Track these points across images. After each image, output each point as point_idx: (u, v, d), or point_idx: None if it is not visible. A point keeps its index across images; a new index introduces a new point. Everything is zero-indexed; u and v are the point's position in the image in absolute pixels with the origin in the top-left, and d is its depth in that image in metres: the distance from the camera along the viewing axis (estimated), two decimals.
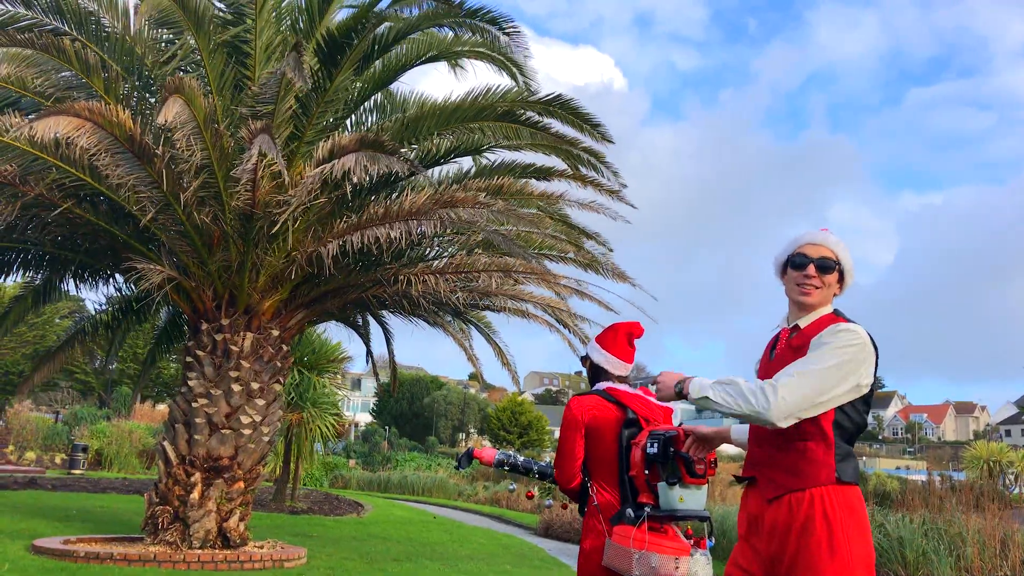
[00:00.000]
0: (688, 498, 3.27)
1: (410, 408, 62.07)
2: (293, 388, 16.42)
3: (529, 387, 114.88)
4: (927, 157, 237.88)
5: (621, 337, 3.78)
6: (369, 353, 13.42)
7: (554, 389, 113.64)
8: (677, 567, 3.26)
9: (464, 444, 64.80)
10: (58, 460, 30.50)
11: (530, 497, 4.63)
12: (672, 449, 3.23)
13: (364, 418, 69.07)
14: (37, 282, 11.68)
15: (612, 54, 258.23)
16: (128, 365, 48.75)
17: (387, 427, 54.45)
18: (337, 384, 18.91)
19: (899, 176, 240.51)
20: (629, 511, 3.33)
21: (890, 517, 10.09)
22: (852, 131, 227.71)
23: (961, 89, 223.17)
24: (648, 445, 3.31)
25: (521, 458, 4.04)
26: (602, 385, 3.67)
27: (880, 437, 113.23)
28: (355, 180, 7.54)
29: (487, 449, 4.07)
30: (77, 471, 26.08)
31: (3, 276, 10.63)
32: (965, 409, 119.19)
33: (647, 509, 3.28)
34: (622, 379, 3.73)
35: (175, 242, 8.97)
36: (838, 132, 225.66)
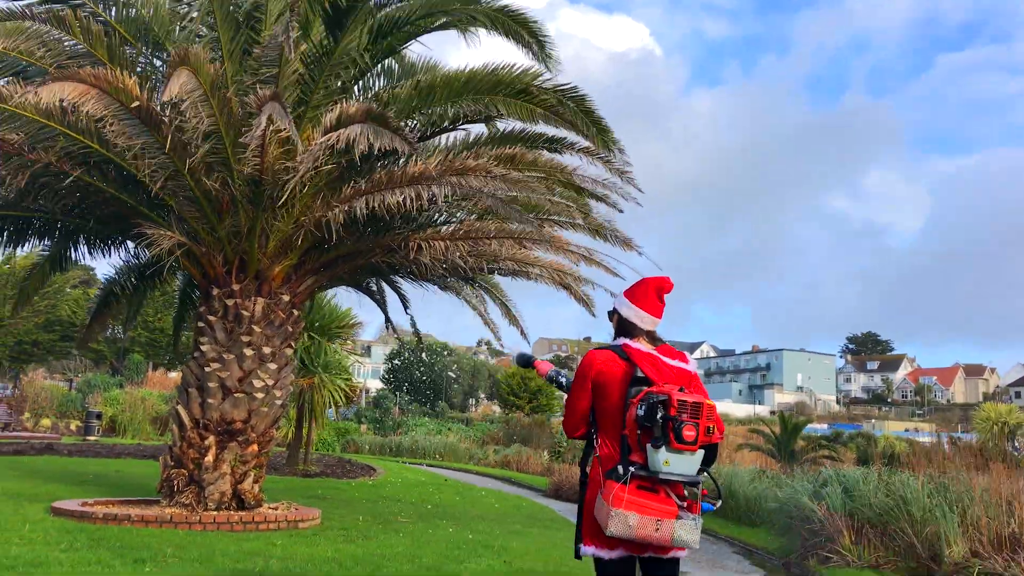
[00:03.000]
0: (675, 462, 3.28)
1: (421, 374, 62.40)
2: (304, 353, 16.55)
3: (538, 353, 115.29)
4: (959, 122, 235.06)
5: (651, 292, 3.77)
6: (387, 317, 13.49)
7: (563, 355, 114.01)
8: (658, 528, 3.27)
9: (475, 409, 65.27)
10: (73, 427, 30.89)
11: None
12: (661, 414, 3.25)
13: (375, 384, 69.52)
14: (50, 251, 11.76)
15: (646, 22, 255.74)
16: (139, 333, 49.00)
17: (397, 392, 54.78)
18: (348, 350, 19.04)
19: (931, 141, 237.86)
20: (619, 468, 3.36)
21: (896, 479, 10.16)
22: (886, 96, 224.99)
23: (993, 54, 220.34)
24: (638, 407, 3.34)
25: (568, 379, 4.10)
26: (620, 341, 3.68)
27: (889, 400, 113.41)
28: (358, 150, 7.52)
29: (545, 363, 4.17)
30: (92, 437, 26.42)
31: (17, 245, 10.71)
32: (975, 371, 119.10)
33: (632, 468, 3.32)
34: (650, 335, 3.73)
35: (184, 208, 9.02)
36: (872, 98, 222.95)
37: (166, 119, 7.99)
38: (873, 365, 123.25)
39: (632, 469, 3.30)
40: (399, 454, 33.96)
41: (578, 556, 3.55)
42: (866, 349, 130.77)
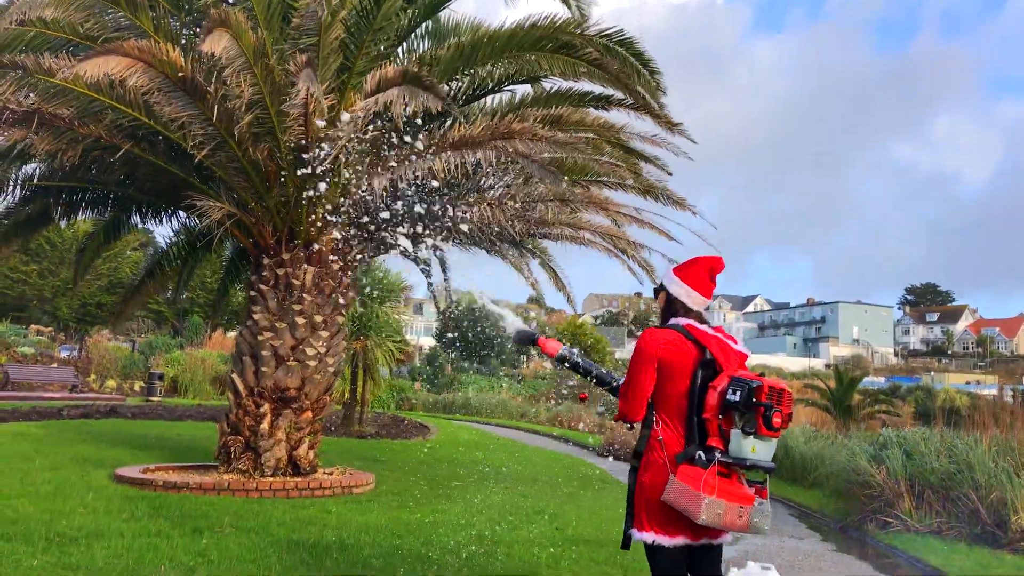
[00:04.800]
0: (760, 449, 3.21)
1: (471, 332, 62.65)
2: (356, 318, 16.69)
3: (589, 309, 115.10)
4: None
5: (703, 271, 3.63)
6: (429, 284, 13.48)
7: (614, 311, 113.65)
8: (740, 515, 3.22)
9: (527, 366, 65.53)
10: (137, 387, 31.82)
11: (582, 399, 4.60)
12: (755, 399, 3.15)
13: (428, 342, 70.14)
14: (105, 220, 11.96)
15: None
16: (197, 294, 50.03)
17: (449, 350, 55.22)
18: (400, 312, 19.15)
19: (1004, 84, 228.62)
20: (700, 454, 3.27)
21: (959, 441, 9.89)
22: (958, 39, 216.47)
23: None
24: (730, 392, 3.23)
25: (583, 360, 3.95)
26: (680, 321, 3.54)
27: (949, 352, 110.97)
28: (395, 115, 7.40)
29: (552, 340, 3.95)
30: (155, 398, 27.18)
31: (73, 215, 10.90)
32: None
33: (717, 454, 3.23)
34: (698, 315, 3.62)
35: (233, 179, 9.04)
36: (944, 40, 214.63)
37: (211, 89, 7.97)
38: (933, 317, 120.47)
39: (717, 455, 3.22)
40: (451, 411, 34.35)
41: (626, 545, 3.46)
42: (925, 300, 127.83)
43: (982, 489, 8.74)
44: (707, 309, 3.71)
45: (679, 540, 3.34)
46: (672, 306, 3.65)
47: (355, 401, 17.79)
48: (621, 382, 3.81)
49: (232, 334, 44.16)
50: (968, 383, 73.26)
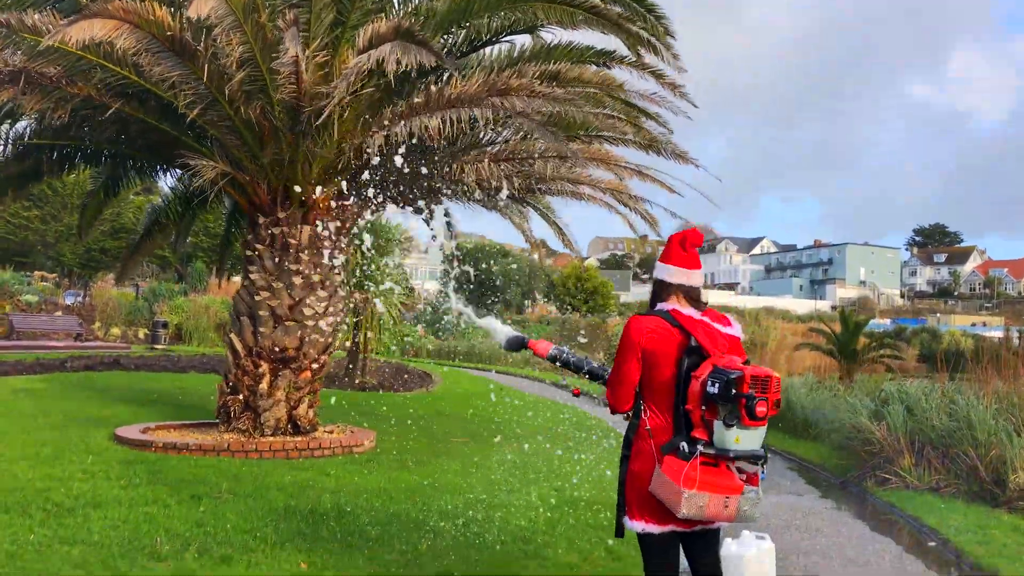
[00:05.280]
0: (745, 438, 3.14)
1: (476, 277, 62.68)
2: (358, 269, 16.63)
3: (594, 253, 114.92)
4: None
5: (675, 245, 3.55)
6: (433, 237, 13.37)
7: (619, 254, 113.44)
8: (726, 506, 3.17)
9: (531, 311, 65.67)
10: (141, 335, 32.01)
11: (576, 394, 4.55)
12: (734, 391, 3.07)
13: (433, 286, 70.20)
14: (102, 178, 11.84)
15: None
16: (201, 239, 49.91)
17: (454, 295, 55.27)
18: (403, 261, 19.07)
19: (1022, 19, 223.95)
20: (683, 445, 3.21)
21: (960, 398, 9.86)
22: None
23: None
24: (709, 383, 3.15)
25: (574, 356, 3.92)
26: (667, 306, 3.45)
27: (956, 293, 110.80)
28: (388, 71, 7.20)
29: (542, 342, 3.95)
30: (159, 346, 27.36)
31: (65, 171, 10.77)
32: None
33: (699, 447, 3.16)
34: (689, 292, 3.52)
35: (226, 137, 8.88)
36: None
37: (201, 48, 7.76)
38: (940, 258, 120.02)
39: (700, 447, 3.16)
40: (455, 358, 34.54)
41: (620, 534, 3.44)
42: (933, 241, 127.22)
43: (982, 447, 8.72)
44: (699, 288, 3.60)
45: (669, 528, 3.31)
46: (660, 290, 3.56)
47: (358, 352, 17.83)
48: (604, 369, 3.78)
49: (237, 279, 44.27)
50: (974, 324, 73.19)
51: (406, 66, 7.12)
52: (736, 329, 3.51)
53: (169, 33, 7.37)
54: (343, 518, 6.04)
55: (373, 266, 16.52)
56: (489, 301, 53.77)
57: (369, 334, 17.67)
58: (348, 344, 18.57)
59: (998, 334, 56.53)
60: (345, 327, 17.42)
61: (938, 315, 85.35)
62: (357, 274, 16.30)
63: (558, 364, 3.90)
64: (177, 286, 42.67)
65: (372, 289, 16.76)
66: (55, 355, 19.23)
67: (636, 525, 3.35)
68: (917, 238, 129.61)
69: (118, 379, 15.35)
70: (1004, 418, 9.04)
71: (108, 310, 34.61)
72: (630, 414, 3.48)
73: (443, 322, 44.04)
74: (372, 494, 6.91)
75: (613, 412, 3.55)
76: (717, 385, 3.13)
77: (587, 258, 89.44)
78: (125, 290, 46.01)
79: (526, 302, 67.27)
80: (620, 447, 3.49)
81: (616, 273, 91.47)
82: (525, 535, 5.95)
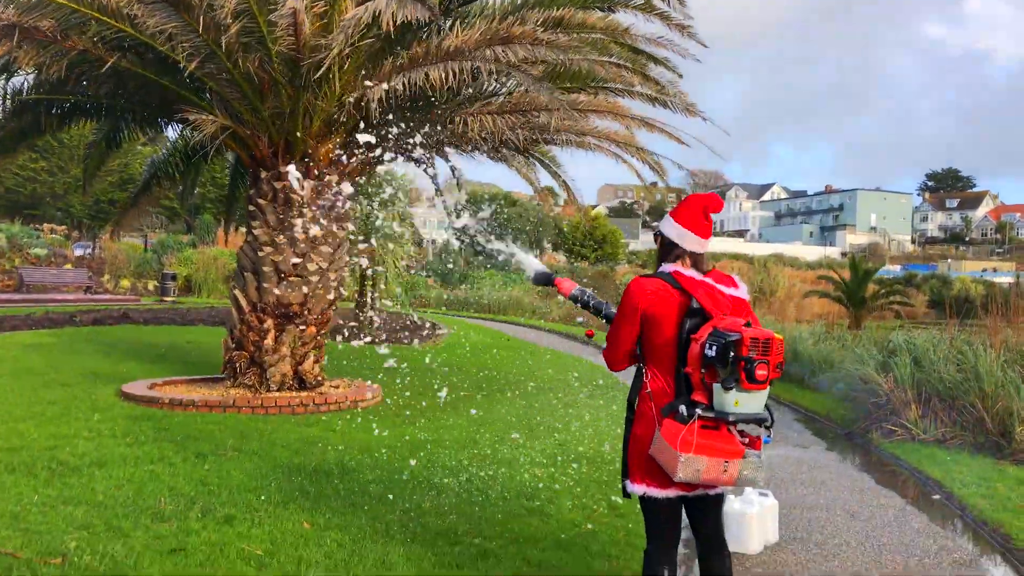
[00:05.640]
0: (744, 402, 3.07)
1: (487, 225, 62.45)
2: (363, 220, 16.55)
3: (603, 200, 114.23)
4: None
5: (696, 210, 3.44)
6: (437, 189, 13.27)
7: (628, 201, 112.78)
8: (725, 469, 3.12)
9: (541, 259, 65.58)
10: (151, 287, 32.12)
11: (589, 336, 4.58)
12: (732, 353, 3.01)
13: (442, 236, 70.04)
14: (103, 131, 11.72)
15: None
16: (208, 190, 49.74)
17: (463, 244, 55.12)
18: (409, 214, 18.98)
19: None
20: (682, 408, 3.16)
21: (968, 349, 9.79)
22: None
23: None
24: (707, 346, 3.09)
25: (594, 299, 3.88)
26: (669, 267, 3.37)
27: (967, 239, 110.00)
28: (384, 24, 7.03)
29: (567, 280, 3.95)
30: (169, 298, 27.44)
31: (65, 125, 10.66)
32: None
33: (698, 410, 3.11)
34: (695, 258, 3.45)
35: (225, 90, 8.74)
36: None
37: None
38: (952, 203, 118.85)
39: (698, 410, 3.11)
40: (465, 309, 34.58)
41: (627, 494, 3.41)
42: (946, 186, 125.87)
43: (988, 399, 8.68)
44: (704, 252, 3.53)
45: (671, 492, 3.28)
46: (666, 249, 3.48)
47: (365, 304, 17.84)
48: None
49: (244, 230, 44.25)
50: (984, 271, 72.80)
51: (402, 19, 6.95)
52: (742, 291, 3.44)
53: None
54: (347, 475, 6.06)
55: (379, 217, 16.45)
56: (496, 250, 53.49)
57: (378, 286, 17.68)
58: (356, 295, 18.60)
59: (1009, 279, 56.29)
60: (353, 281, 17.43)
61: (949, 261, 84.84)
62: (363, 226, 16.24)
63: (578, 304, 3.88)
64: (186, 237, 42.66)
65: (379, 240, 16.70)
66: (65, 308, 19.31)
67: (637, 488, 3.32)
68: (929, 183, 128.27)
69: (127, 333, 15.42)
70: (1013, 370, 8.98)
71: (117, 263, 34.69)
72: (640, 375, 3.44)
73: (451, 270, 44.07)
74: (376, 450, 6.93)
75: (611, 371, 3.51)
76: (715, 348, 3.06)
77: (596, 206, 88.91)
78: (135, 241, 46.04)
79: (535, 251, 67.12)
80: (624, 403, 3.45)
81: (626, 221, 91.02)
82: (529, 491, 5.97)
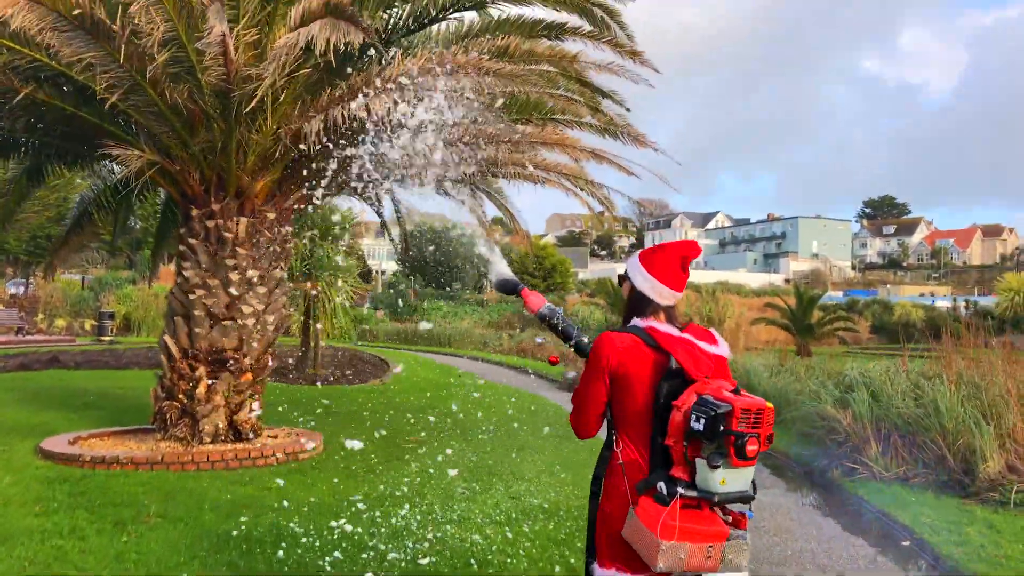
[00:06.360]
0: (732, 479, 2.68)
1: (434, 256, 61.97)
2: (307, 257, 16.01)
3: (552, 230, 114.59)
4: None
5: (673, 260, 3.03)
6: (383, 224, 12.89)
7: (576, 231, 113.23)
8: (709, 556, 2.72)
9: (490, 291, 65.14)
10: (88, 327, 30.89)
11: (553, 362, 3.96)
12: (722, 427, 2.62)
13: (392, 267, 69.24)
14: (25, 167, 11.04)
15: None
16: (150, 224, 48.38)
17: (412, 276, 54.57)
18: (353, 248, 18.47)
19: None
20: (661, 485, 2.76)
21: (925, 382, 9.62)
22: None
23: None
24: (693, 418, 2.69)
25: (565, 321, 3.36)
26: (642, 323, 2.97)
27: (904, 264, 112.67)
28: (318, 50, 6.63)
29: (536, 295, 3.43)
30: (106, 338, 26.39)
31: None
32: (993, 232, 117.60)
33: (680, 489, 2.71)
34: (669, 311, 3.06)
35: (152, 123, 8.22)
36: None
37: (117, 27, 7.08)
38: (889, 229, 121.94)
39: (680, 490, 2.70)
40: (414, 342, 33.97)
41: None
42: (883, 213, 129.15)
43: (949, 435, 8.49)
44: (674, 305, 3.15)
45: None
46: (637, 302, 3.08)
47: (309, 343, 17.22)
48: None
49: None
50: (922, 295, 74.45)
51: (337, 44, 6.54)
52: (723, 348, 3.05)
53: (77, 11, 6.68)
54: (280, 543, 5.53)
55: (322, 253, 15.91)
56: (443, 280, 53.12)
57: (319, 324, 17.06)
58: (301, 331, 17.96)
59: (946, 304, 57.55)
60: (296, 319, 16.82)
61: (888, 286, 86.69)
62: (304, 263, 15.69)
63: (545, 324, 3.38)
64: (126, 274, 41.31)
65: (322, 276, 16.15)
66: None
67: (606, 574, 2.90)
68: (867, 210, 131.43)
69: (54, 379, 14.58)
70: (972, 404, 8.81)
71: (52, 301, 33.36)
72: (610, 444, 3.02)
73: (400, 302, 43.43)
74: (315, 511, 6.40)
75: (579, 439, 3.09)
76: (703, 420, 2.66)
77: (544, 236, 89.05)
78: (73, 278, 44.41)
79: (484, 282, 66.72)
80: (591, 458, 3.00)
81: (575, 250, 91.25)
82: (481, 555, 5.51)
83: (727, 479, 2.69)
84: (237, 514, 6.24)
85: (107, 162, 10.56)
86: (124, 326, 30.43)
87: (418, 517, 6.36)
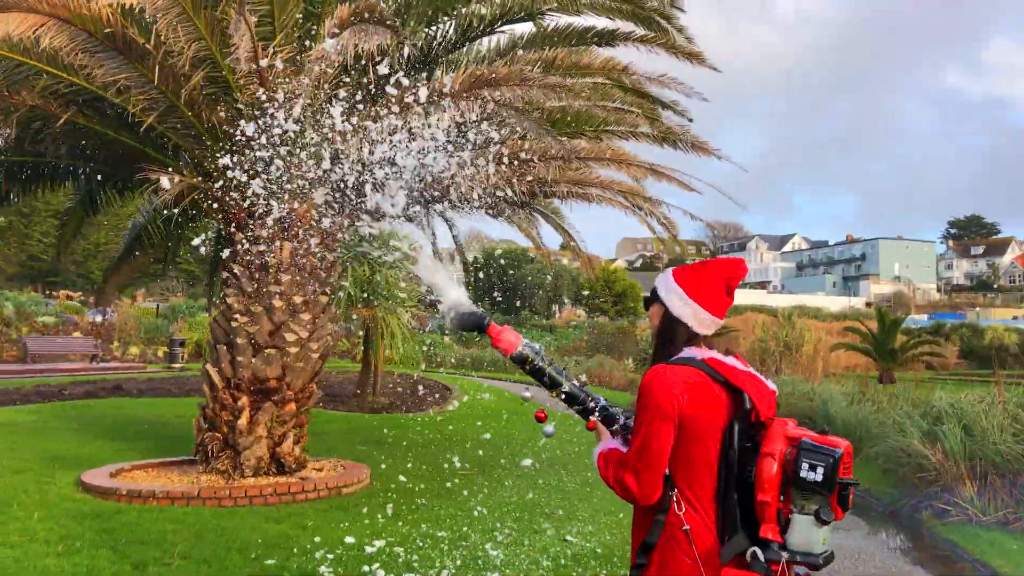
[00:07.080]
0: (827, 538, 2.23)
1: (501, 281, 61.77)
2: (366, 284, 15.76)
3: (623, 254, 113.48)
4: None
5: (717, 282, 2.50)
6: (434, 246, 12.53)
7: (648, 254, 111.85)
8: None
9: (559, 315, 64.47)
10: (160, 353, 31.39)
11: (539, 419, 2.88)
12: (838, 476, 2.16)
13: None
14: (78, 195, 11.06)
15: None
16: (220, 249, 49.24)
17: (479, 302, 54.41)
18: (412, 274, 18.18)
19: None
20: (756, 550, 2.21)
21: None
22: None
23: None
24: (806, 467, 2.18)
25: (549, 363, 2.66)
26: (699, 354, 2.42)
27: (995, 286, 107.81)
28: (337, 61, 6.27)
29: (509, 331, 2.68)
30: (177, 365, 26.72)
31: (29, 191, 9.95)
32: None
33: (781, 552, 2.19)
34: (707, 340, 2.53)
35: (191, 146, 8.02)
36: None
37: (150, 46, 6.88)
38: (978, 250, 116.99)
39: (785, 554, 2.20)
40: (480, 368, 33.62)
41: None
42: (970, 233, 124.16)
43: None
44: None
45: None
46: (673, 331, 2.52)
47: (367, 374, 16.95)
48: (602, 404, 2.65)
49: None
50: (1015, 318, 70.82)
51: (364, 50, 6.18)
52: (771, 382, 2.52)
53: (108, 29, 6.48)
54: None
55: (379, 279, 15.64)
56: (512, 301, 52.75)
57: (382, 351, 16.77)
58: (359, 361, 17.72)
59: None
60: (354, 347, 16.56)
61: (977, 309, 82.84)
62: (363, 289, 15.44)
63: (526, 369, 2.67)
64: (203, 301, 42.06)
65: (381, 303, 15.88)
66: (59, 380, 18.58)
67: None
68: (952, 230, 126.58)
69: (115, 407, 14.58)
70: None
71: (127, 329, 34.08)
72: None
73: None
74: (348, 552, 5.96)
75: (636, 503, 2.39)
76: (820, 469, 2.16)
77: (615, 260, 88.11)
78: (150, 306, 45.51)
79: (553, 307, 66.23)
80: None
81: (648, 274, 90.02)
82: None
83: (825, 537, 2.22)
84: (265, 556, 5.83)
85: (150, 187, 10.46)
86: (196, 352, 30.81)
87: (458, 562, 5.86)
